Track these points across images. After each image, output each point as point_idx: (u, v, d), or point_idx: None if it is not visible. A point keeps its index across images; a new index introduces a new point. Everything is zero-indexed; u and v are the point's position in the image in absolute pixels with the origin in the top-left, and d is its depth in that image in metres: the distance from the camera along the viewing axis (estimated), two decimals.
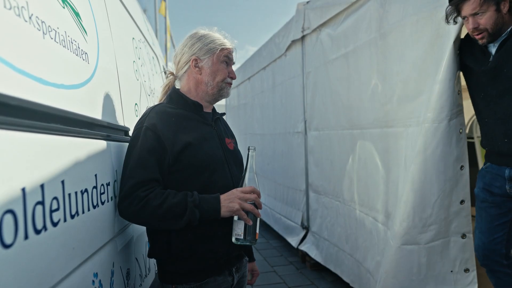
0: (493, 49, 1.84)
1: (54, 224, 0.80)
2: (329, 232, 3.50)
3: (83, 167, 0.99)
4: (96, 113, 1.16)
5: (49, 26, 0.91)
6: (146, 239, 1.67)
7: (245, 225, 1.26)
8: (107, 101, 1.30)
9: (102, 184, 1.14)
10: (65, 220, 0.85)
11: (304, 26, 3.77)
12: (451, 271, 1.98)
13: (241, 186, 1.33)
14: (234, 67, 1.52)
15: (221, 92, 1.45)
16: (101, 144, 1.15)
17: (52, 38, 0.92)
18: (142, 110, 1.90)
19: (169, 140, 1.29)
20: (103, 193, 1.14)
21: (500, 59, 1.80)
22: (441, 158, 1.98)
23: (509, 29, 1.77)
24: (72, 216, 0.89)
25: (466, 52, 1.93)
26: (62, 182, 0.85)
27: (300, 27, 3.83)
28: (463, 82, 2.09)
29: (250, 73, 5.99)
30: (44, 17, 0.89)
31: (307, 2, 3.75)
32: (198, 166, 1.32)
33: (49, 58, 0.89)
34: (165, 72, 1.61)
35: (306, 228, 4.07)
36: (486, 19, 1.73)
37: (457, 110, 1.98)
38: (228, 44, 1.46)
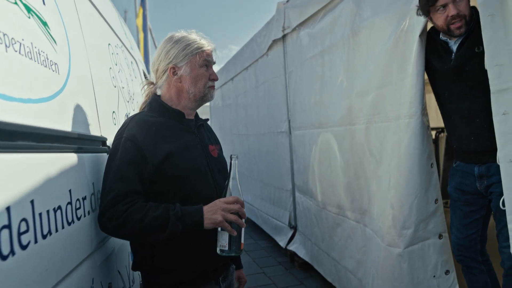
0: (454, 47, 1.86)
1: (23, 247, 0.76)
2: (310, 231, 3.53)
3: (55, 183, 0.95)
4: (68, 125, 1.12)
5: (12, 38, 0.87)
6: (129, 250, 1.63)
7: (230, 235, 1.24)
8: (81, 111, 1.26)
9: (78, 199, 1.10)
10: (35, 242, 0.82)
11: (284, 25, 3.76)
12: (434, 276, 1.99)
13: (224, 195, 1.31)
14: (217, 67, 1.48)
15: (204, 98, 1.41)
16: (73, 157, 1.11)
17: (16, 51, 0.88)
18: (121, 118, 1.85)
19: (149, 150, 1.26)
20: (79, 208, 1.11)
21: (462, 58, 1.81)
22: (414, 156, 1.98)
23: (469, 27, 1.78)
24: (44, 236, 0.86)
25: (429, 49, 1.94)
26: (32, 202, 0.81)
27: (280, 26, 3.82)
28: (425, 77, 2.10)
29: (233, 73, 5.95)
30: (6, 30, 0.85)
31: (287, 1, 3.73)
32: (180, 176, 1.29)
33: (13, 72, 0.85)
34: (145, 81, 1.56)
35: (294, 227, 4.07)
36: (465, 5, 1.75)
37: (424, 106, 1.98)
38: (205, 45, 1.39)
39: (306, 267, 3.74)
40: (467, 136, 1.87)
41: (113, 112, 1.72)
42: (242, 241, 1.28)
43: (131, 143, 1.25)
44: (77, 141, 1.15)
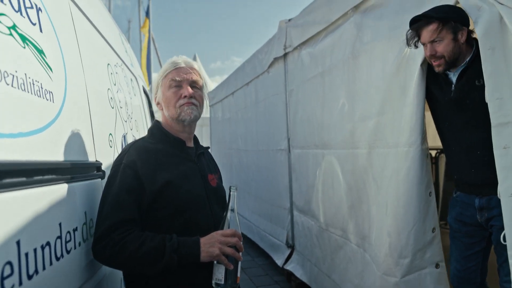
0: (453, 78, 1.85)
1: None
2: (310, 252, 3.48)
3: (43, 219, 0.92)
4: (60, 154, 1.09)
5: (5, 71, 0.85)
6: (121, 276, 1.60)
7: (226, 269, 1.21)
8: (75, 138, 1.24)
9: (68, 231, 1.08)
10: (20, 284, 0.79)
11: (286, 43, 3.77)
12: None
13: (222, 227, 1.28)
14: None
15: (179, 117, 1.37)
16: (64, 188, 1.09)
17: (8, 84, 0.86)
18: (117, 139, 1.83)
19: (148, 178, 1.24)
20: (69, 241, 1.08)
21: (462, 90, 1.81)
22: (413, 184, 1.96)
23: (468, 59, 1.78)
24: (30, 277, 0.83)
25: (430, 79, 1.94)
26: (18, 242, 0.79)
27: (282, 45, 3.82)
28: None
29: (234, 88, 5.96)
30: None
31: (289, 20, 3.75)
32: (178, 205, 1.27)
33: (4, 108, 0.83)
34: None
35: (292, 246, 4.02)
36: (443, 47, 1.74)
37: (424, 135, 1.97)
38: (173, 65, 1.38)
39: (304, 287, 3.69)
40: (468, 167, 1.84)
41: (110, 134, 1.70)
42: (239, 274, 1.25)
43: (130, 170, 1.24)
44: (69, 171, 1.13)
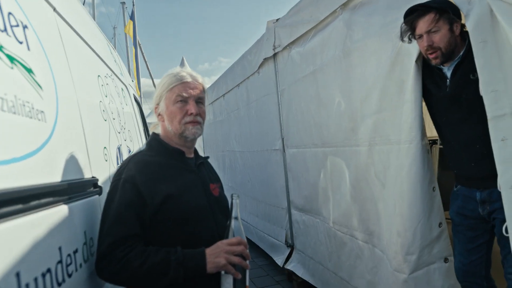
0: (448, 73, 1.85)
1: None
2: (313, 250, 3.47)
3: (42, 245, 0.89)
4: (56, 175, 1.06)
5: None
6: None
7: (234, 279, 1.19)
8: (70, 156, 1.20)
9: (69, 254, 1.04)
10: None
11: (275, 43, 3.75)
12: None
13: (227, 236, 1.26)
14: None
15: (183, 134, 1.35)
16: (63, 210, 1.06)
17: None
18: (112, 152, 1.80)
19: (149, 192, 1.22)
20: (70, 264, 1.05)
21: (457, 85, 1.80)
22: (416, 180, 1.96)
23: (461, 53, 1.78)
24: None
25: (425, 75, 1.93)
26: (17, 274, 0.75)
27: (271, 45, 3.81)
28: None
29: (224, 90, 5.93)
30: None
31: (277, 20, 3.73)
32: (180, 218, 1.25)
33: None
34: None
35: (291, 246, 4.01)
36: (440, 37, 1.73)
37: (424, 131, 1.97)
38: (179, 79, 1.34)
39: (306, 286, 3.67)
40: (467, 161, 1.84)
41: (104, 147, 1.66)
42: (247, 283, 1.23)
43: (129, 185, 1.22)
44: (66, 191, 1.10)
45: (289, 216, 3.97)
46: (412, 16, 1.76)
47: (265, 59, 4.04)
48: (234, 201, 1.29)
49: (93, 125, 1.55)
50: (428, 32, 1.74)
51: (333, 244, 3.08)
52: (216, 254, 1.19)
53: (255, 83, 4.53)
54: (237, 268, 1.20)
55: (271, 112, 4.09)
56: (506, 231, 1.53)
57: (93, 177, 1.39)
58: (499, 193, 1.55)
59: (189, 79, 1.35)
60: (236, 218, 1.29)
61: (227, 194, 1.47)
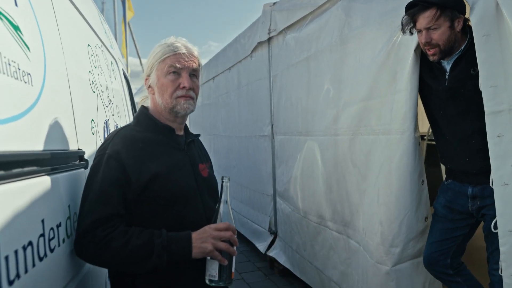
0: (447, 67, 1.82)
1: None
2: (291, 238, 3.48)
3: (24, 217, 0.83)
4: (40, 143, 0.99)
5: None
6: (106, 271, 1.51)
7: (220, 265, 1.14)
8: (56, 125, 1.13)
9: (51, 228, 0.98)
10: None
11: (270, 27, 3.67)
12: None
13: (215, 221, 1.21)
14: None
15: (174, 109, 1.27)
16: (46, 181, 0.99)
17: None
18: (100, 126, 1.72)
19: (134, 170, 1.15)
20: (53, 238, 0.99)
21: (456, 79, 1.78)
22: (406, 172, 1.94)
23: (462, 47, 1.76)
24: (11, 282, 0.74)
25: (423, 67, 1.90)
26: None
27: (266, 29, 3.73)
28: None
29: (214, 73, 5.82)
30: None
31: (274, 4, 3.65)
32: (167, 199, 1.19)
33: None
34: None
35: (274, 233, 4.01)
36: (439, 35, 1.71)
37: (416, 122, 1.95)
38: (174, 50, 1.25)
39: (286, 274, 3.69)
40: (462, 157, 1.83)
41: (92, 120, 1.59)
42: (233, 270, 1.19)
43: (114, 161, 1.15)
44: (51, 161, 1.03)
45: (274, 203, 3.95)
46: (413, 9, 1.73)
47: (259, 43, 3.96)
48: (224, 183, 1.24)
49: (81, 96, 1.47)
50: (428, 28, 1.71)
51: (306, 233, 3.09)
52: (203, 239, 1.14)
53: (247, 67, 4.46)
54: (223, 254, 1.15)
55: (262, 97, 4.03)
56: (495, 227, 1.54)
57: (79, 149, 1.32)
58: (492, 189, 1.55)
59: (183, 50, 1.26)
60: (225, 201, 1.23)
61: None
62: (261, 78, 4.04)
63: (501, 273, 1.52)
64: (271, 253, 3.91)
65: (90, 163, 1.23)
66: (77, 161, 1.29)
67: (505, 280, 1.50)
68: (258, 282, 3.75)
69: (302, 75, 3.09)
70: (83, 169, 1.31)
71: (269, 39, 3.75)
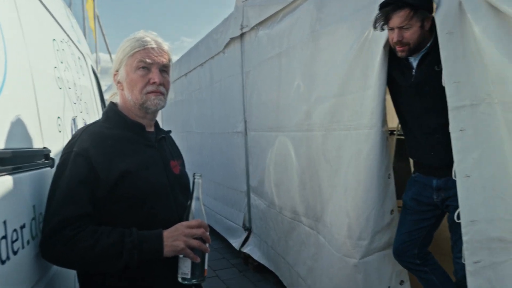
0: (414, 63, 1.89)
1: None
2: (266, 234, 3.51)
3: None
4: (2, 142, 0.96)
5: None
6: (74, 272, 1.48)
7: (192, 262, 1.14)
8: (19, 122, 1.09)
9: (15, 230, 0.95)
10: None
11: (243, 23, 3.67)
12: (389, 287, 2.02)
13: (187, 218, 1.20)
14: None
15: (144, 105, 1.24)
16: (8, 181, 0.95)
17: None
18: (67, 123, 1.67)
19: (103, 167, 1.13)
20: (16, 240, 0.95)
21: (422, 76, 1.85)
22: (373, 166, 2.00)
23: (428, 44, 1.82)
24: None
25: (392, 63, 1.96)
26: None
27: (239, 25, 3.72)
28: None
29: (186, 69, 5.76)
30: None
31: None
32: (138, 197, 1.17)
33: None
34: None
35: (248, 229, 4.02)
36: (410, 34, 1.77)
37: (385, 117, 2.00)
38: (142, 44, 1.22)
39: (261, 270, 3.71)
40: (428, 150, 1.90)
41: (58, 117, 1.54)
42: (206, 267, 1.19)
43: (82, 159, 1.12)
44: (12, 160, 0.99)
45: (248, 200, 3.97)
46: (387, 8, 1.77)
47: (232, 39, 3.95)
48: (196, 180, 1.23)
49: (46, 92, 1.42)
50: (400, 28, 1.76)
51: (281, 229, 3.13)
52: (174, 237, 1.12)
53: (220, 63, 4.44)
54: (196, 251, 1.15)
55: (235, 93, 4.02)
56: (458, 218, 1.60)
57: (44, 147, 1.28)
58: (455, 181, 1.61)
59: (153, 45, 1.24)
60: (197, 198, 1.23)
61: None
62: (233, 74, 4.03)
63: (464, 261, 1.58)
64: (246, 250, 3.92)
65: (57, 162, 1.20)
66: (43, 160, 1.25)
67: (467, 268, 1.57)
68: (232, 278, 3.76)
69: (274, 71, 3.11)
70: (49, 168, 1.27)
71: (242, 35, 3.75)
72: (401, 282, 2.03)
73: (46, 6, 1.67)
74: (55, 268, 1.28)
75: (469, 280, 1.55)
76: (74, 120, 1.81)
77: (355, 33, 2.10)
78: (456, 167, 1.60)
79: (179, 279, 1.15)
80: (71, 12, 2.67)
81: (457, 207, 1.61)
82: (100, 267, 1.09)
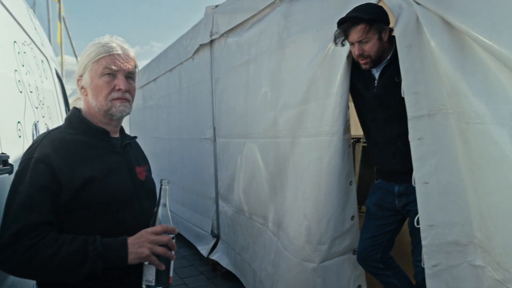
0: (376, 74, 1.97)
1: None
2: (234, 241, 3.51)
3: None
4: None
5: None
6: (33, 281, 1.43)
7: (157, 269, 1.13)
8: None
9: None
10: None
11: (212, 30, 3.68)
12: None
13: (153, 225, 1.19)
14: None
15: (109, 112, 1.23)
16: None
17: None
18: (27, 128, 1.62)
19: (65, 174, 1.10)
20: None
21: (384, 87, 1.93)
22: (334, 173, 2.05)
23: (389, 56, 1.91)
24: None
25: (356, 74, 2.04)
26: None
27: (208, 31, 3.73)
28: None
29: (155, 75, 5.70)
30: None
31: (216, 6, 3.66)
32: (102, 203, 1.15)
33: None
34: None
35: (217, 236, 4.00)
36: (370, 47, 1.85)
37: (347, 125, 2.07)
38: (107, 50, 1.21)
39: (229, 277, 3.70)
40: (389, 158, 1.98)
41: (18, 122, 1.49)
42: (171, 274, 1.18)
43: (43, 165, 1.09)
44: None
45: (217, 206, 3.95)
46: (345, 25, 1.85)
47: (201, 45, 3.96)
48: (163, 187, 1.22)
49: (6, 96, 1.38)
50: (360, 41, 1.84)
51: (249, 235, 3.14)
52: (139, 244, 1.11)
53: (189, 69, 4.42)
54: (161, 259, 1.14)
55: (204, 100, 4.02)
56: (418, 223, 1.67)
57: (2, 153, 1.24)
58: (414, 187, 1.68)
59: (119, 51, 1.23)
60: (164, 205, 1.22)
61: (155, 181, 1.40)
62: (203, 81, 4.03)
63: (423, 265, 1.64)
64: (214, 257, 3.90)
65: (16, 168, 1.16)
66: (0, 166, 1.21)
67: (427, 271, 1.63)
68: (200, 286, 3.73)
69: (242, 78, 3.14)
70: (7, 175, 1.23)
71: (211, 42, 3.76)
72: (359, 287, 2.09)
73: (7, 7, 1.62)
74: (13, 278, 1.24)
75: (428, 283, 1.61)
76: (35, 125, 1.76)
77: (320, 42, 2.17)
78: (415, 174, 1.67)
79: (143, 286, 1.14)
80: (35, 14, 2.60)
81: (417, 212, 1.67)
82: (63, 276, 1.06)
